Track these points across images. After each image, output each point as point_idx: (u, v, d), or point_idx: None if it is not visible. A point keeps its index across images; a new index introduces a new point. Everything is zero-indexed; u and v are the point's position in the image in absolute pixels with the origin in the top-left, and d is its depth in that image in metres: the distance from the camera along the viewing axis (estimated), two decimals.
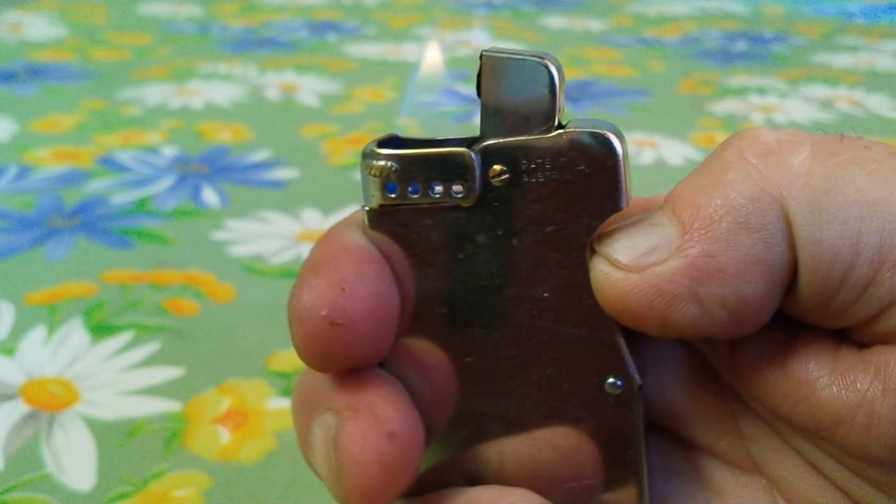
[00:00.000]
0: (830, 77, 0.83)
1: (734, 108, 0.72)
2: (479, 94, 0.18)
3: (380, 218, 0.19)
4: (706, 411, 0.20)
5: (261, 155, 0.60)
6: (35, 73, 0.80)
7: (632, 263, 0.18)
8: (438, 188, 0.18)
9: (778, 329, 0.18)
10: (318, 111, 0.70)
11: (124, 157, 0.59)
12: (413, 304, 0.19)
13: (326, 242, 0.19)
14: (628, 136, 0.72)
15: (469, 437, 0.20)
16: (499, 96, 0.18)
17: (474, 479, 0.20)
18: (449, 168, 0.18)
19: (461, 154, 0.18)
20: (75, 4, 1.12)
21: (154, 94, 0.73)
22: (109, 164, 0.58)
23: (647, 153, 0.61)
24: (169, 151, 0.60)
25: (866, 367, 0.17)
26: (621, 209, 0.18)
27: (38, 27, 0.99)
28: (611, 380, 0.19)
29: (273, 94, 0.75)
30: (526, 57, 0.18)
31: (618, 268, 0.18)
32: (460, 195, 0.18)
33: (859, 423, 0.17)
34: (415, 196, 0.18)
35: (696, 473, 0.21)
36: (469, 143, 0.18)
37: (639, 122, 0.68)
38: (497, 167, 0.18)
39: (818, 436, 0.18)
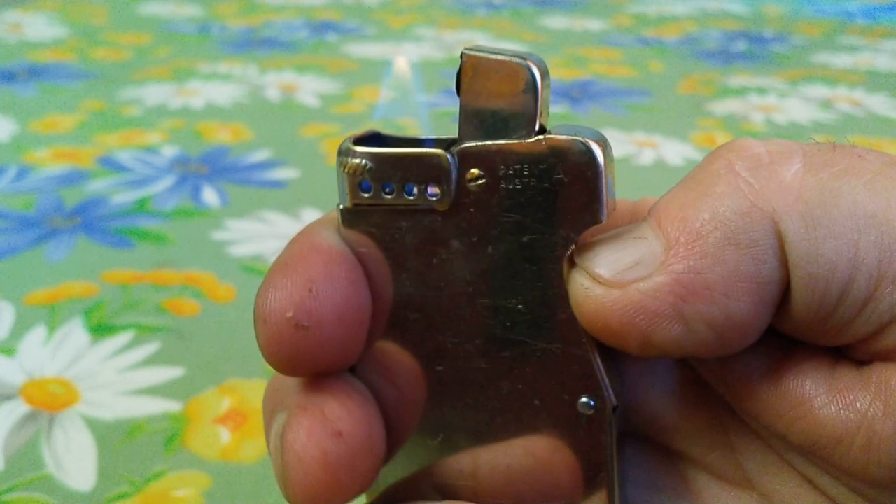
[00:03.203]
0: (830, 77, 0.83)
1: (734, 108, 0.72)
2: (458, 93, 0.17)
3: (354, 217, 0.18)
4: (696, 423, 0.20)
5: (261, 155, 0.60)
6: (35, 73, 0.80)
7: (614, 279, 0.17)
8: (413, 190, 0.17)
9: (771, 343, 0.18)
10: (318, 111, 0.70)
11: (124, 157, 0.59)
12: (387, 307, 0.18)
13: (298, 242, 0.18)
14: (628, 137, 0.71)
15: (440, 448, 0.19)
16: (479, 97, 0.17)
17: (447, 491, 0.19)
18: (424, 169, 0.17)
19: (437, 156, 0.17)
20: (75, 4, 1.12)
21: (154, 94, 0.73)
22: (109, 164, 0.58)
23: (647, 153, 0.61)
24: (169, 151, 0.60)
25: (866, 385, 0.17)
26: (601, 222, 0.17)
27: (38, 27, 0.99)
28: (584, 399, 0.18)
29: (273, 94, 0.75)
30: (508, 57, 0.17)
31: (599, 283, 0.17)
32: (435, 198, 0.17)
33: (859, 443, 0.16)
34: (389, 197, 0.18)
35: (684, 487, 0.20)
36: (448, 144, 0.18)
37: (639, 122, 0.68)
38: (474, 171, 0.17)
39: (815, 455, 0.17)
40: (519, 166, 0.17)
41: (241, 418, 0.32)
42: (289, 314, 0.16)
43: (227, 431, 0.32)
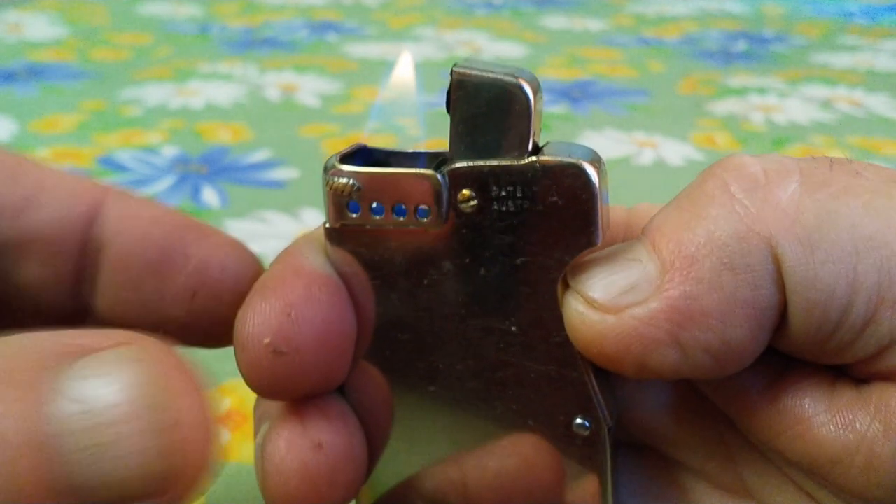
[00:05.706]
0: (830, 77, 0.83)
1: (734, 108, 0.72)
2: (448, 110, 0.17)
3: (341, 237, 0.17)
4: (693, 434, 0.19)
5: (261, 155, 0.60)
6: (35, 73, 0.80)
7: (609, 303, 0.16)
8: (403, 210, 0.17)
9: (769, 361, 0.17)
10: (318, 111, 0.70)
11: (124, 157, 0.59)
12: (373, 328, 0.18)
13: (280, 262, 0.18)
14: (628, 136, 0.71)
15: (430, 464, 0.19)
16: (470, 115, 0.17)
17: (437, 502, 0.19)
18: (415, 190, 0.17)
19: (428, 176, 0.17)
20: (75, 4, 1.12)
21: (154, 94, 0.73)
22: (109, 164, 0.58)
23: (647, 153, 0.61)
24: (169, 151, 0.60)
25: (866, 405, 0.16)
26: (595, 245, 0.17)
27: (38, 27, 0.99)
28: (579, 420, 0.18)
29: (273, 94, 0.75)
30: (499, 75, 0.16)
31: (594, 308, 0.17)
32: (426, 219, 0.17)
33: (858, 464, 0.16)
34: (378, 217, 0.17)
35: (682, 496, 0.20)
36: (438, 161, 0.17)
37: (639, 122, 0.68)
38: (466, 192, 0.17)
39: (814, 473, 0.17)
40: (512, 188, 0.17)
41: (241, 418, 0.32)
42: (266, 340, 0.16)
43: (227, 431, 0.32)
